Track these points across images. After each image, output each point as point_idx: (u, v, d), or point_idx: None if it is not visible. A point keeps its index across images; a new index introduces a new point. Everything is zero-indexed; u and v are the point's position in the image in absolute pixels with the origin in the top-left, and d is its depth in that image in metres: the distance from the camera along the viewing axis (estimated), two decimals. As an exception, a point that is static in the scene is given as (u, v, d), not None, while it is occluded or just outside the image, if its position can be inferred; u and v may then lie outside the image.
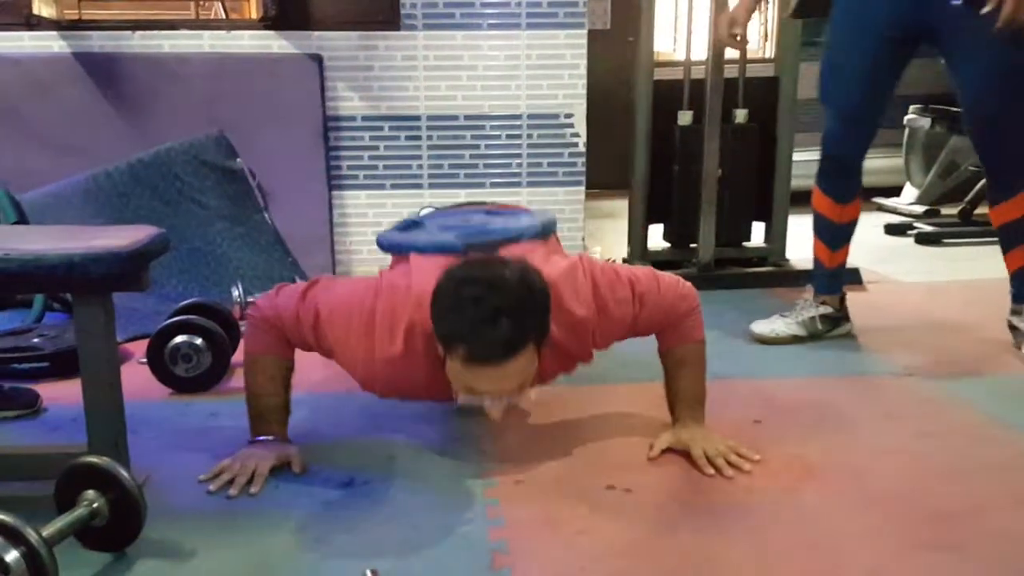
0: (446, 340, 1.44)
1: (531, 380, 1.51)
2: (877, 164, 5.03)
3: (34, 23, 3.06)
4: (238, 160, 2.94)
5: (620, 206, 3.47)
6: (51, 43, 3.11)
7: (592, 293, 1.59)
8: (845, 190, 2.41)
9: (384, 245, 1.83)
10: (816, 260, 2.52)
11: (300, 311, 1.61)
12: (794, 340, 2.46)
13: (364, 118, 3.29)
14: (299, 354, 1.70)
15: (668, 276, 1.72)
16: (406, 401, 1.77)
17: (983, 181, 4.19)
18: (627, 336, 1.70)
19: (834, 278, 2.51)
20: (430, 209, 2.13)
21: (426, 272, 1.57)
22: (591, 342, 1.64)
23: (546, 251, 1.71)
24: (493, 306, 1.38)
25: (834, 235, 2.46)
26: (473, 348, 1.41)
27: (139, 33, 3.13)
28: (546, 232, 1.81)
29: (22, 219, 2.67)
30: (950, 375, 2.16)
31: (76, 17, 3.29)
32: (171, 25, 3.17)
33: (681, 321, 1.70)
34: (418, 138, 3.32)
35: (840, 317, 2.51)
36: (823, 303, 2.50)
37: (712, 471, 1.60)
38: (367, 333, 1.56)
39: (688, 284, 1.72)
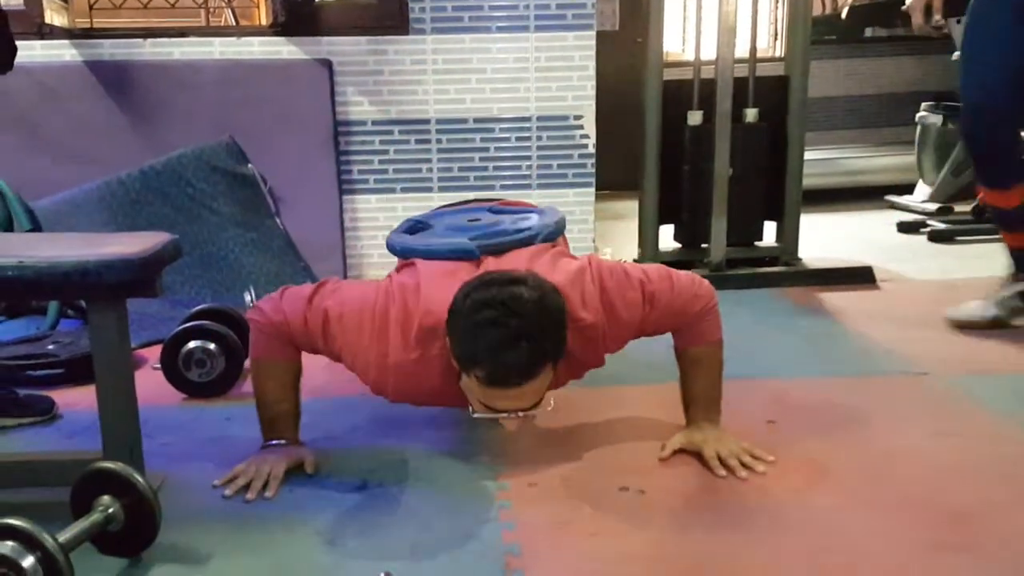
0: (464, 361, 1.44)
1: (546, 395, 1.51)
2: (889, 162, 5.06)
3: (46, 32, 3.09)
4: (249, 166, 2.96)
5: (631, 207, 3.46)
6: (63, 52, 3.13)
7: (600, 298, 1.59)
8: (999, 177, 2.37)
9: (397, 250, 1.82)
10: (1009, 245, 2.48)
11: (308, 316, 1.60)
12: (994, 323, 2.42)
13: (374, 122, 3.30)
14: (310, 357, 1.71)
15: (683, 275, 1.69)
16: (417, 406, 1.77)
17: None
18: (638, 336, 1.68)
19: None
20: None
21: (435, 277, 1.58)
22: (602, 347, 1.64)
23: (555, 254, 1.70)
24: (511, 330, 1.38)
25: (1006, 220, 2.43)
26: (492, 372, 1.41)
27: (150, 41, 3.15)
28: (557, 234, 1.81)
29: (36, 226, 2.69)
30: (965, 374, 2.14)
31: (87, 26, 3.30)
32: (182, 33, 3.19)
33: (697, 321, 1.68)
34: (428, 142, 3.33)
35: None
36: (1020, 279, 2.45)
37: (723, 472, 1.60)
38: (380, 337, 1.56)
39: (706, 283, 1.69)
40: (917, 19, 2.43)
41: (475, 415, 1.52)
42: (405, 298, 1.57)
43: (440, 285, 1.55)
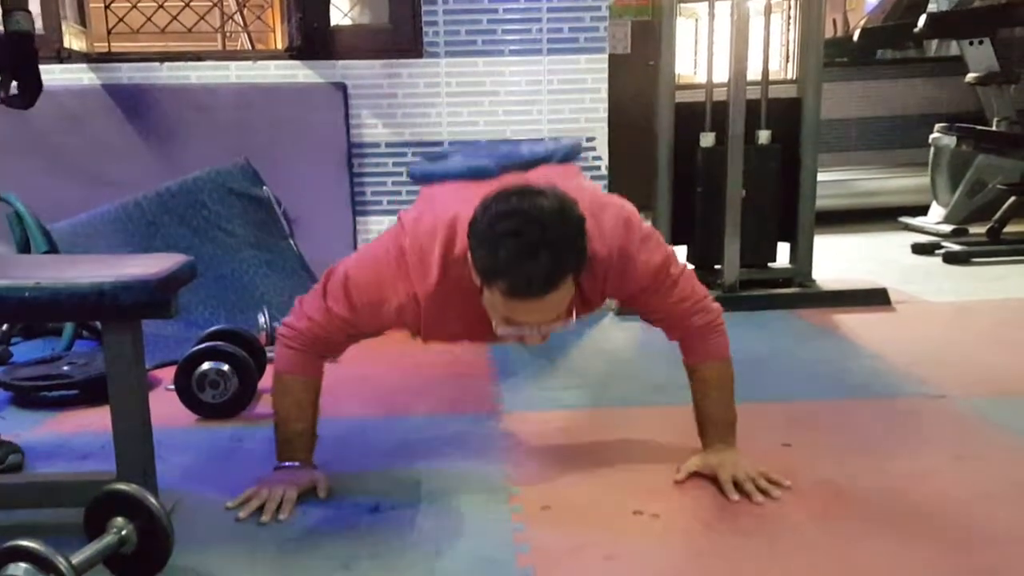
0: (485, 274, 1.41)
1: (569, 309, 1.48)
2: (902, 183, 5.05)
3: (65, 56, 3.13)
4: (264, 188, 2.97)
5: (643, 229, 3.46)
6: (81, 75, 3.16)
7: (620, 241, 1.56)
8: None
9: (417, 175, 1.82)
10: None
11: (328, 303, 1.60)
12: None
13: (388, 144, 3.32)
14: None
15: (702, 287, 1.69)
16: (449, 343, 1.77)
17: (1012, 199, 4.18)
18: (636, 302, 1.66)
19: None
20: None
21: (447, 198, 1.59)
22: (600, 285, 1.60)
23: (576, 177, 1.71)
24: (532, 239, 1.35)
25: None
26: (513, 283, 1.37)
27: (167, 65, 3.18)
28: (574, 154, 1.82)
29: (52, 248, 2.71)
30: (982, 396, 2.12)
31: (106, 50, 3.34)
32: (198, 57, 3.22)
33: (704, 334, 1.67)
34: (441, 164, 3.34)
35: None
36: None
37: (737, 496, 1.58)
38: (402, 274, 1.55)
39: (716, 304, 1.70)
40: None
41: (499, 332, 1.49)
42: (419, 230, 1.56)
43: (457, 200, 1.54)
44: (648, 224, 1.65)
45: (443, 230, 1.53)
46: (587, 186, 1.71)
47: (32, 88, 1.87)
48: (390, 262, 1.56)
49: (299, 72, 3.22)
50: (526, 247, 1.35)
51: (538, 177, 1.62)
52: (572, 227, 1.41)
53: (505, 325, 1.46)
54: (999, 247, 4.07)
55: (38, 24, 3.08)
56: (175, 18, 3.44)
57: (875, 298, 3.15)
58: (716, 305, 1.70)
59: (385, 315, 1.59)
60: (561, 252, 1.38)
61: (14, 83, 1.86)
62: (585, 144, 3.35)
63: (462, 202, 1.51)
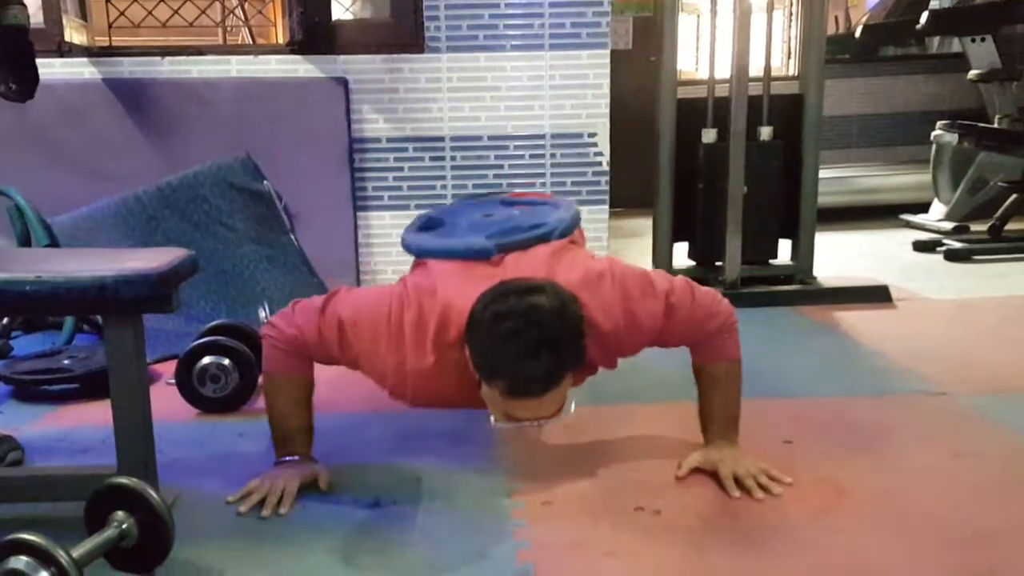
0: (483, 372, 1.44)
1: (566, 400, 1.51)
2: (904, 180, 5.04)
3: (66, 50, 3.12)
4: (265, 182, 2.97)
5: (644, 224, 3.46)
6: (82, 69, 3.16)
7: (622, 304, 1.57)
8: None
9: (412, 249, 1.79)
10: None
11: (322, 326, 1.59)
12: None
13: (389, 140, 3.31)
14: (327, 374, 1.71)
15: (704, 290, 1.68)
16: (436, 409, 1.75)
17: (1013, 197, 4.17)
18: (653, 345, 1.67)
19: None
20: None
21: (450, 277, 1.58)
22: (616, 352, 1.63)
23: (574, 253, 1.70)
24: (532, 340, 1.38)
25: None
26: (513, 383, 1.41)
27: (168, 59, 3.18)
28: (573, 227, 1.80)
29: (53, 242, 2.71)
30: (983, 393, 2.12)
31: (107, 44, 3.34)
32: (199, 51, 3.22)
33: (712, 338, 1.66)
34: (442, 159, 3.34)
35: None
36: None
37: (738, 493, 1.58)
38: (397, 344, 1.54)
39: (725, 301, 1.68)
40: None
41: (496, 424, 1.51)
42: (420, 301, 1.55)
43: (456, 286, 1.54)
44: (638, 268, 1.66)
45: (438, 315, 1.53)
46: (580, 258, 1.69)
47: (29, 81, 1.88)
48: (390, 331, 1.55)
49: (300, 67, 3.22)
50: (525, 347, 1.38)
51: (537, 263, 1.62)
52: (571, 325, 1.44)
53: (504, 420, 1.48)
54: (1000, 244, 4.07)
55: (39, 18, 3.08)
56: (176, 12, 3.43)
57: (876, 295, 3.15)
58: (726, 306, 1.68)
59: (371, 367, 1.59)
60: (560, 351, 1.40)
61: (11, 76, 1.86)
62: (587, 140, 3.35)
63: (459, 292, 1.52)
